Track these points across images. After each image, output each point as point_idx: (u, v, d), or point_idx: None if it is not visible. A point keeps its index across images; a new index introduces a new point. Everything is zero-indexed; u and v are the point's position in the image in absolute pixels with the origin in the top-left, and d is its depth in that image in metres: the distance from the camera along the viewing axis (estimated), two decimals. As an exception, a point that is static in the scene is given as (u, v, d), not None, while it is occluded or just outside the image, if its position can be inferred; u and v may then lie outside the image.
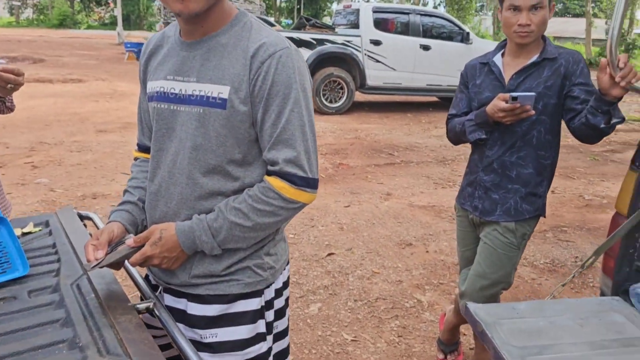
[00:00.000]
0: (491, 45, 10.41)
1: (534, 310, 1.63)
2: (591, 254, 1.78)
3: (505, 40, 2.12)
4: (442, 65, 9.78)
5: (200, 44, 1.26)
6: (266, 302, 1.35)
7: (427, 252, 3.84)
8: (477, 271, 2.13)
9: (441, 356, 2.56)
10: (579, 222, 4.62)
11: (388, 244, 3.96)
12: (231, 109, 1.21)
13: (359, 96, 10.35)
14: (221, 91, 1.21)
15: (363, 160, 6.45)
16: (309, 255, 3.69)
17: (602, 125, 1.78)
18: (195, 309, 1.30)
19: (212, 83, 1.22)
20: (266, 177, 1.25)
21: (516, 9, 1.94)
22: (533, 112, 1.89)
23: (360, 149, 7.04)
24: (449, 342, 2.53)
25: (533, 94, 1.88)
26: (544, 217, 2.14)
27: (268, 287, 1.35)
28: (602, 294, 1.82)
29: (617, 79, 1.67)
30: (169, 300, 1.34)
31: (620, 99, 1.74)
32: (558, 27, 37.86)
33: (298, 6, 29.03)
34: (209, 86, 1.23)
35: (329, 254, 3.72)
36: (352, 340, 2.70)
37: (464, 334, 2.71)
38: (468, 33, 10.10)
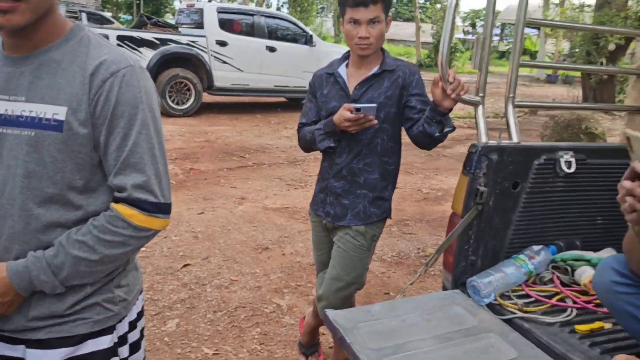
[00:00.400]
0: (333, 47, 10.87)
1: (387, 311, 1.73)
2: (434, 252, 1.94)
3: (349, 51, 2.22)
4: (288, 67, 9.97)
5: (29, 59, 1.12)
6: (119, 337, 1.25)
7: (284, 254, 3.89)
8: (332, 274, 2.20)
9: (303, 359, 2.61)
10: (419, 215, 5.02)
11: (245, 249, 3.94)
12: (69, 132, 1.10)
13: (207, 97, 10.14)
14: (56, 112, 1.10)
15: (215, 164, 6.34)
16: (163, 268, 3.53)
17: (437, 134, 1.94)
18: (36, 355, 1.16)
19: (45, 103, 1.10)
20: (113, 205, 1.16)
21: (356, 22, 2.04)
22: (376, 121, 2.00)
23: (212, 152, 6.92)
24: (309, 344, 2.60)
25: (374, 105, 1.99)
26: (390, 218, 2.28)
27: (120, 321, 1.25)
28: (444, 288, 1.99)
29: (448, 92, 1.84)
30: (3, 348, 1.19)
31: (451, 109, 1.91)
32: (391, 30, 40.65)
33: (137, 1, 27.57)
34: (42, 106, 1.10)
35: (185, 265, 3.59)
36: (213, 354, 2.64)
37: (323, 334, 2.80)
38: (311, 35, 10.43)
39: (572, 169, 1.96)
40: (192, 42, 9.09)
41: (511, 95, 2.00)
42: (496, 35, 32.32)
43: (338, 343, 1.77)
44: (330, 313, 1.67)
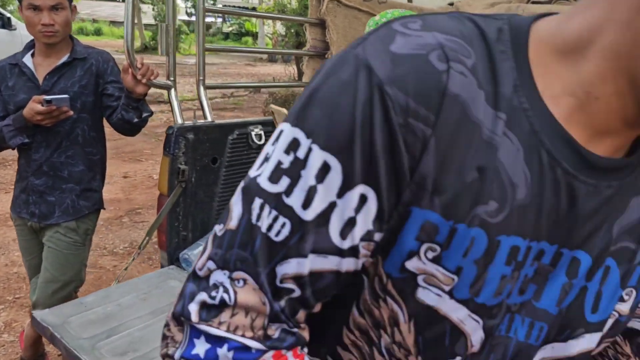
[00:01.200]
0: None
1: (101, 299, 1.75)
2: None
3: (33, 40, 2.09)
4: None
5: None
6: None
7: (-3, 267, 3.48)
8: (46, 277, 2.10)
9: (28, 374, 2.43)
10: (151, 202, 4.98)
11: (-57, 271, 3.40)
12: None
13: None
14: None
15: None
16: None
17: (135, 120, 1.99)
18: None
19: None
20: None
21: (36, 8, 1.94)
22: (71, 112, 1.95)
23: None
24: (33, 358, 2.42)
25: (66, 96, 1.93)
26: (104, 209, 2.26)
27: None
28: (162, 267, 2.08)
29: (138, 77, 1.90)
30: None
31: (145, 94, 1.98)
32: (111, 11, 38.36)
33: None
34: None
35: None
36: None
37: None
38: (9, 18, 9.24)
39: (262, 141, 2.22)
40: None
41: (201, 78, 2.16)
42: (219, 16, 33.17)
43: (51, 343, 1.71)
44: (38, 314, 1.61)
